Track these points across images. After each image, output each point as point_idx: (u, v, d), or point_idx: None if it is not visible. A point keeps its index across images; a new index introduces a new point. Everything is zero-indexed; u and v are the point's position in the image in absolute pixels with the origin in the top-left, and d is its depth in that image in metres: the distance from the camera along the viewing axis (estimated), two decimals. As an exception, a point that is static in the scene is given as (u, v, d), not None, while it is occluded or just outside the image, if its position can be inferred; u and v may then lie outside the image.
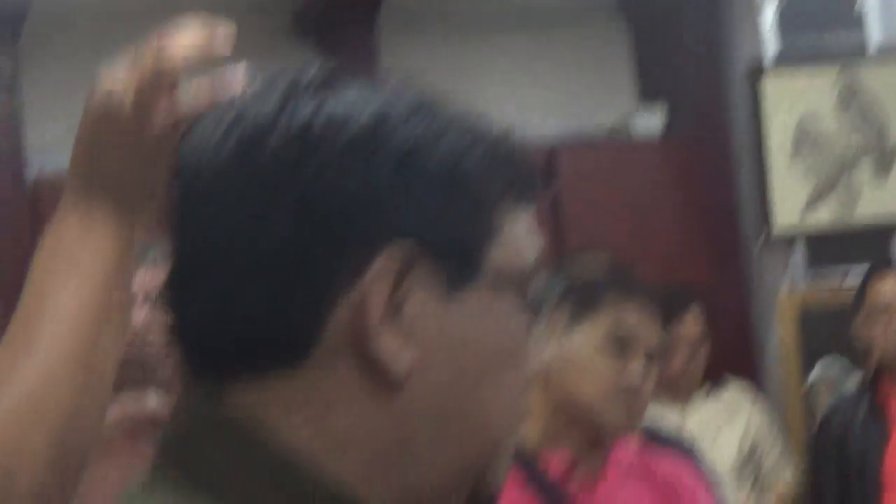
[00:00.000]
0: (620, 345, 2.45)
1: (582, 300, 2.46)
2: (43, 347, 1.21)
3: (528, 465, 2.43)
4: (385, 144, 0.95)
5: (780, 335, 5.00)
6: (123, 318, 1.29)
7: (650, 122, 5.29)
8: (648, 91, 5.52)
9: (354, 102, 0.96)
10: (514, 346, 0.99)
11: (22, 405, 1.17)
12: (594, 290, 2.43)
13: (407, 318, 0.93)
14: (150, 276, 2.53)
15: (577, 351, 2.44)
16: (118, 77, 1.28)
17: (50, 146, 4.92)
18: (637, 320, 2.46)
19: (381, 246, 0.92)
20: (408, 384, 0.93)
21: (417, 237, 0.93)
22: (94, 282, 1.25)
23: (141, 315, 2.49)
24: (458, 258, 0.95)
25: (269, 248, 0.92)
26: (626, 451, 2.56)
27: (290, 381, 0.93)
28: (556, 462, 2.46)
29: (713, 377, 4.76)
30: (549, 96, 5.29)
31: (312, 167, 0.93)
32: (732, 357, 4.98)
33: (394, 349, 0.92)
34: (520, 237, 1.00)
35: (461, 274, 0.95)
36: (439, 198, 0.95)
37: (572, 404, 2.43)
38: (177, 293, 0.98)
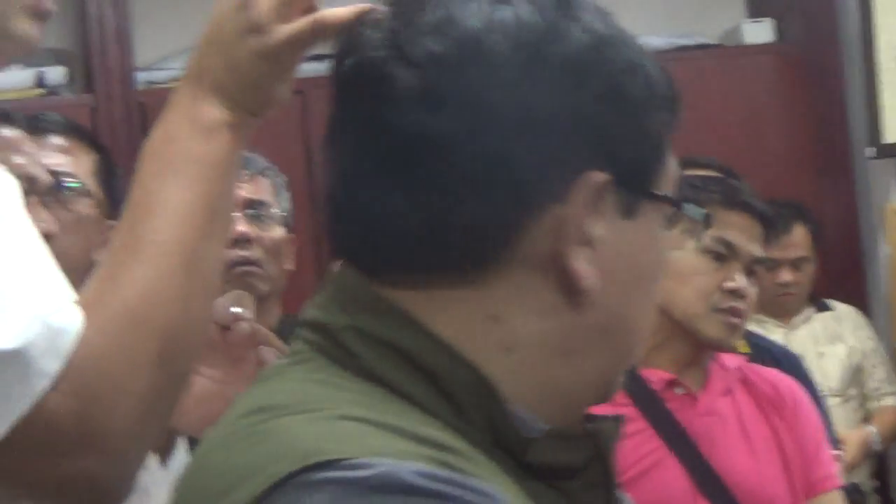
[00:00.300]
0: (721, 255, 2.44)
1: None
2: (152, 249, 1.20)
3: (630, 381, 2.44)
4: (604, 66, 0.98)
5: (888, 250, 4.94)
6: (229, 220, 1.28)
7: (759, 34, 5.21)
8: (757, 3, 5.44)
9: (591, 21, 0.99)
10: (661, 264, 1.04)
11: (131, 311, 1.17)
12: (699, 199, 2.42)
13: (594, 238, 0.97)
14: (245, 188, 2.56)
15: (678, 259, 2.42)
16: None
17: (158, 62, 4.97)
18: (740, 231, 2.44)
19: (588, 165, 0.96)
20: (585, 301, 0.98)
21: (616, 159, 0.97)
22: (203, 178, 1.23)
23: (239, 226, 2.52)
24: (642, 184, 1.00)
25: (482, 153, 0.94)
26: (728, 365, 2.55)
27: (460, 283, 0.97)
28: (656, 379, 2.46)
29: (819, 294, 4.72)
30: (657, 7, 5.24)
31: (538, 76, 0.95)
32: (839, 272, 4.93)
33: (585, 266, 0.97)
34: (672, 163, 1.04)
35: (640, 199, 0.99)
36: (637, 124, 0.99)
37: (671, 313, 2.42)
38: (359, 189, 0.99)
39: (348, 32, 1.02)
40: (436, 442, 0.90)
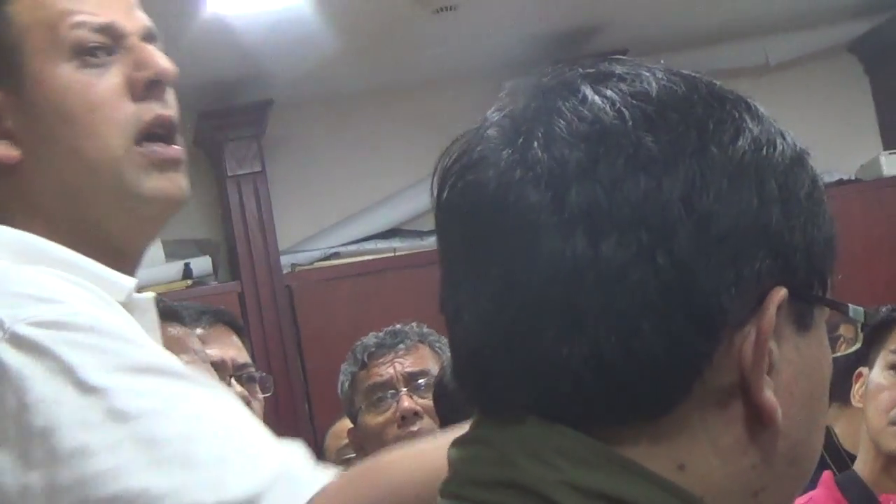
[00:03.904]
0: None
1: (872, 335, 2.47)
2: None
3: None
4: (771, 162, 0.87)
5: None
6: None
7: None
8: (893, 134, 5.41)
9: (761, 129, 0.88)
10: (830, 374, 0.92)
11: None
12: (882, 324, 2.45)
13: (776, 361, 0.86)
14: (405, 362, 2.58)
15: (871, 382, 2.45)
16: None
17: (299, 244, 5.06)
18: None
19: (770, 279, 0.85)
20: (770, 434, 0.86)
21: (794, 267, 0.86)
22: None
23: (404, 403, 2.53)
24: (817, 291, 0.88)
25: (657, 275, 0.82)
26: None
27: (644, 433, 0.85)
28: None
29: None
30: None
31: (713, 181, 0.84)
32: None
33: (772, 396, 0.85)
34: None
35: (814, 307, 0.89)
36: (810, 224, 0.88)
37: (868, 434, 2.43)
38: (513, 332, 0.86)
39: (464, 145, 0.90)
40: None
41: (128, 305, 1.33)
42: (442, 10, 4.47)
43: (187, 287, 4.72)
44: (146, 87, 1.36)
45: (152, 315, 1.40)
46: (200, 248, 4.95)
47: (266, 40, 4.33)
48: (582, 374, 0.83)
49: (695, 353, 0.83)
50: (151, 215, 1.39)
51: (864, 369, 2.51)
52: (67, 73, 1.34)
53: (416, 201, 5.25)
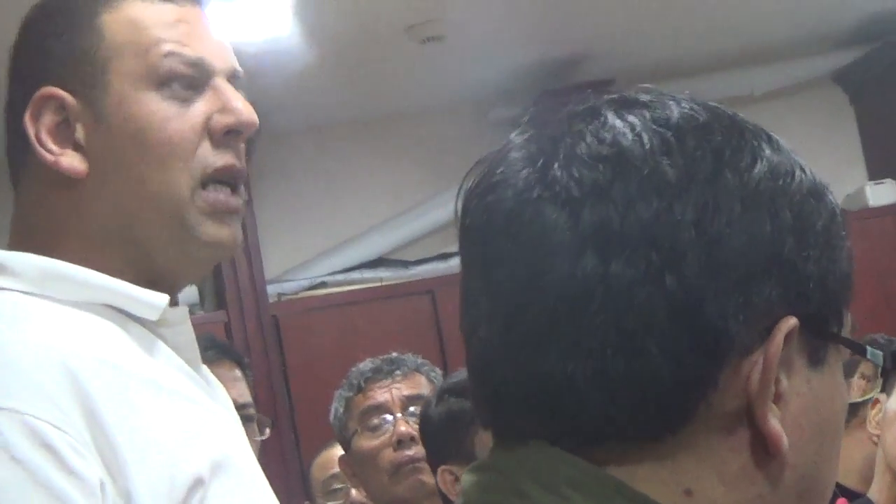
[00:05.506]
0: None
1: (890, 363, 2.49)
2: None
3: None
4: (787, 192, 0.88)
5: None
6: None
7: (883, 195, 5.18)
8: (878, 165, 5.42)
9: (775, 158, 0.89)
10: (844, 414, 0.93)
11: None
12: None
13: (785, 392, 0.86)
14: (402, 387, 2.59)
15: (889, 410, 2.46)
16: None
17: (285, 273, 5.05)
18: None
19: (780, 309, 0.85)
20: (777, 464, 0.87)
21: (807, 299, 0.87)
22: None
23: (400, 427, 2.54)
24: (831, 326, 0.89)
25: (665, 298, 0.83)
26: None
27: (651, 455, 0.86)
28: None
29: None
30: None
31: (724, 208, 0.84)
32: None
33: (778, 426, 0.85)
34: None
35: (828, 343, 0.89)
36: (826, 256, 0.89)
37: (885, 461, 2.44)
38: (518, 352, 0.87)
39: (486, 168, 0.91)
40: None
41: (160, 322, 1.35)
42: (429, 39, 4.48)
43: (174, 316, 4.71)
44: (225, 134, 1.37)
45: (187, 327, 1.42)
46: (187, 277, 4.94)
47: (253, 70, 4.32)
48: (586, 392, 0.84)
49: (699, 375, 0.83)
50: (203, 258, 1.41)
51: (881, 395, 2.51)
52: (151, 101, 1.34)
53: (403, 231, 5.25)
